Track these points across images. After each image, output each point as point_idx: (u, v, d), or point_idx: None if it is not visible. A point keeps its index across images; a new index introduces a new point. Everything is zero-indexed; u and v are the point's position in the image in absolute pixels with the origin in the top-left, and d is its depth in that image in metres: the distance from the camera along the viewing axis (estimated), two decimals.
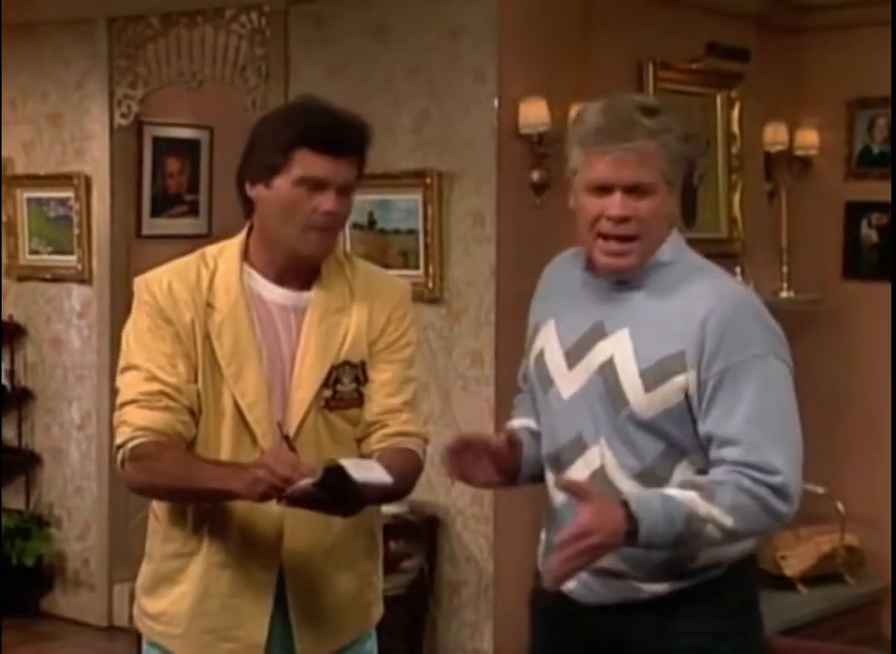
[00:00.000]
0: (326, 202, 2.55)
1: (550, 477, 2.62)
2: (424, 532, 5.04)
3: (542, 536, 2.71)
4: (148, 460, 2.52)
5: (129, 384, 2.58)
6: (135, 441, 2.53)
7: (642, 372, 2.47)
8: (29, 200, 6.28)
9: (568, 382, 2.56)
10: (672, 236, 2.57)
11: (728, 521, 2.39)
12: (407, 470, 2.61)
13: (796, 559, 5.79)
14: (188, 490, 2.52)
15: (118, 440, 2.57)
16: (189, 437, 2.57)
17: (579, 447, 2.55)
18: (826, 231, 6.18)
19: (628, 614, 2.55)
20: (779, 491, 2.41)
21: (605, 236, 2.50)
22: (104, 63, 6.00)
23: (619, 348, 2.50)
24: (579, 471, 2.54)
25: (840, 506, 5.81)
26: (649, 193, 2.48)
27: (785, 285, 6.07)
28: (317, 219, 2.56)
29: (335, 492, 2.35)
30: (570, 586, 2.56)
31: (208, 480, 2.46)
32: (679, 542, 2.41)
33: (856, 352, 6.12)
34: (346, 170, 2.58)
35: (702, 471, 2.49)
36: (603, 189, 2.48)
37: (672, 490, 2.43)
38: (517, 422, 2.76)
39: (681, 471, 2.50)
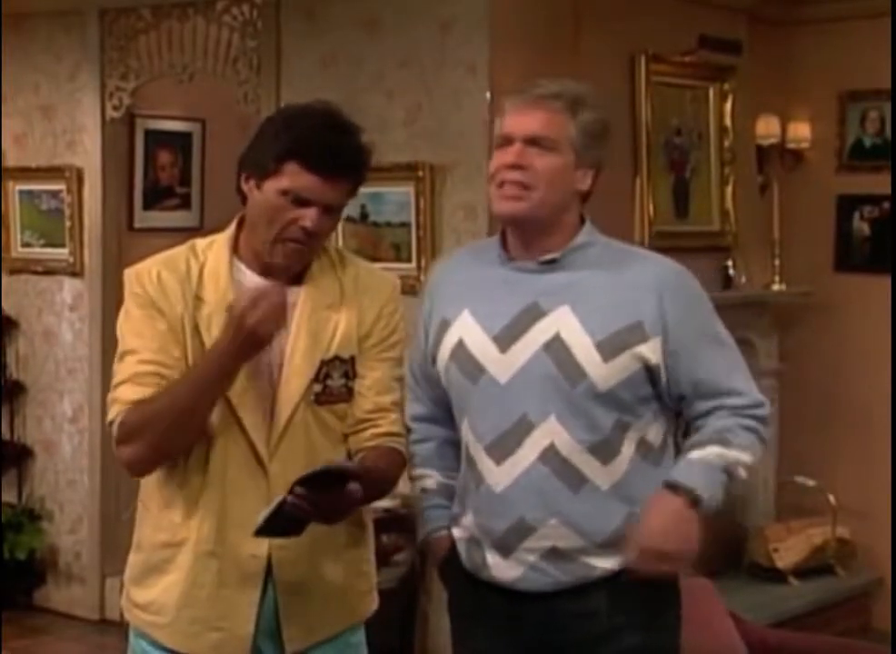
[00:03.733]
0: (308, 218, 2.54)
1: (489, 465, 2.61)
2: (416, 526, 5.03)
3: (469, 524, 2.69)
4: (137, 411, 2.50)
5: (124, 368, 2.59)
6: (125, 413, 2.53)
7: (599, 344, 2.52)
8: (21, 192, 6.27)
9: (503, 366, 2.58)
10: (587, 225, 2.67)
11: (748, 458, 2.58)
12: (392, 470, 2.65)
13: (788, 551, 5.81)
14: (188, 407, 2.48)
15: (109, 417, 2.57)
16: None
17: (524, 428, 2.56)
18: (818, 224, 6.19)
19: (579, 598, 2.58)
20: (764, 420, 2.64)
21: (502, 183, 2.59)
22: (95, 55, 5.99)
23: (564, 324, 2.54)
24: (527, 451, 2.56)
25: (831, 498, 5.82)
26: (550, 149, 2.57)
27: (777, 278, 6.08)
28: (294, 231, 2.55)
29: (322, 488, 2.37)
30: (514, 574, 2.60)
31: (201, 376, 2.47)
32: (726, 493, 2.57)
33: (848, 345, 6.13)
34: (335, 192, 2.56)
35: (644, 441, 2.59)
36: (507, 141, 2.59)
37: (695, 454, 2.56)
38: (432, 482, 2.79)
39: (629, 442, 2.57)
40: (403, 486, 2.85)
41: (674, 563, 2.53)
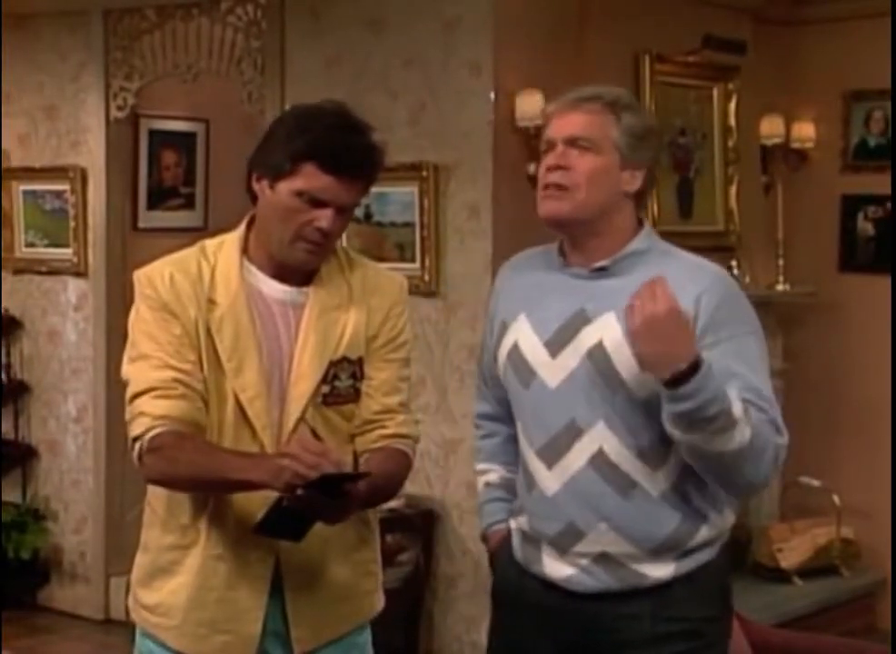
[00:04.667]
0: (323, 218, 2.54)
1: (540, 468, 2.61)
2: (420, 526, 5.05)
3: (524, 524, 2.69)
4: (168, 449, 2.49)
5: (140, 374, 2.55)
6: (154, 431, 2.50)
7: None
8: (25, 192, 6.27)
9: (553, 371, 2.58)
10: (645, 230, 2.63)
11: (747, 436, 2.41)
12: (399, 472, 2.65)
13: (792, 551, 5.80)
14: (210, 481, 2.50)
15: (136, 432, 2.52)
16: (204, 424, 2.55)
17: (573, 432, 2.56)
18: (822, 224, 6.18)
19: (625, 601, 2.58)
20: (781, 450, 2.49)
21: (545, 186, 2.59)
22: (99, 55, 6.00)
23: (607, 331, 2.53)
24: (576, 456, 2.56)
25: (835, 499, 5.82)
26: (591, 150, 2.56)
27: (781, 278, 6.08)
28: (310, 232, 2.55)
29: (326, 492, 2.37)
30: (566, 574, 2.60)
31: (231, 471, 2.44)
32: (702, 424, 2.38)
33: (852, 345, 6.13)
34: (350, 192, 2.55)
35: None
36: (550, 146, 2.60)
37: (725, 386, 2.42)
38: (495, 476, 2.81)
39: (677, 449, 2.51)
40: (408, 486, 2.85)
41: (656, 342, 2.36)
